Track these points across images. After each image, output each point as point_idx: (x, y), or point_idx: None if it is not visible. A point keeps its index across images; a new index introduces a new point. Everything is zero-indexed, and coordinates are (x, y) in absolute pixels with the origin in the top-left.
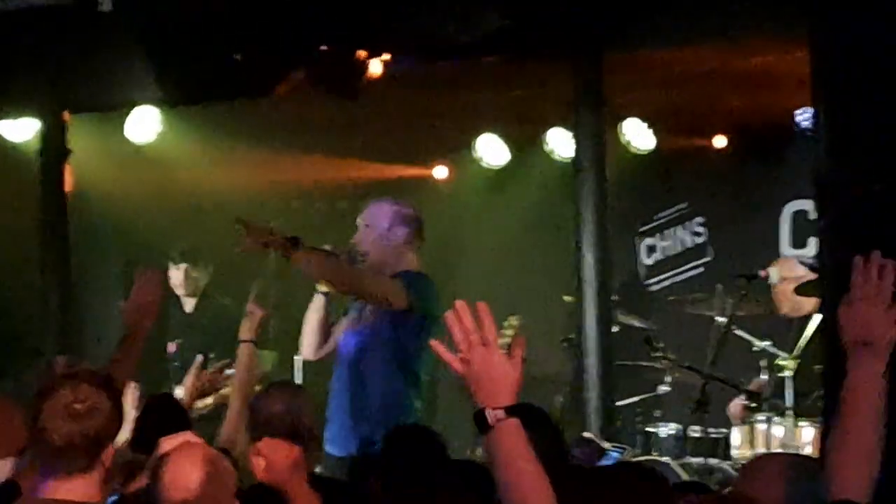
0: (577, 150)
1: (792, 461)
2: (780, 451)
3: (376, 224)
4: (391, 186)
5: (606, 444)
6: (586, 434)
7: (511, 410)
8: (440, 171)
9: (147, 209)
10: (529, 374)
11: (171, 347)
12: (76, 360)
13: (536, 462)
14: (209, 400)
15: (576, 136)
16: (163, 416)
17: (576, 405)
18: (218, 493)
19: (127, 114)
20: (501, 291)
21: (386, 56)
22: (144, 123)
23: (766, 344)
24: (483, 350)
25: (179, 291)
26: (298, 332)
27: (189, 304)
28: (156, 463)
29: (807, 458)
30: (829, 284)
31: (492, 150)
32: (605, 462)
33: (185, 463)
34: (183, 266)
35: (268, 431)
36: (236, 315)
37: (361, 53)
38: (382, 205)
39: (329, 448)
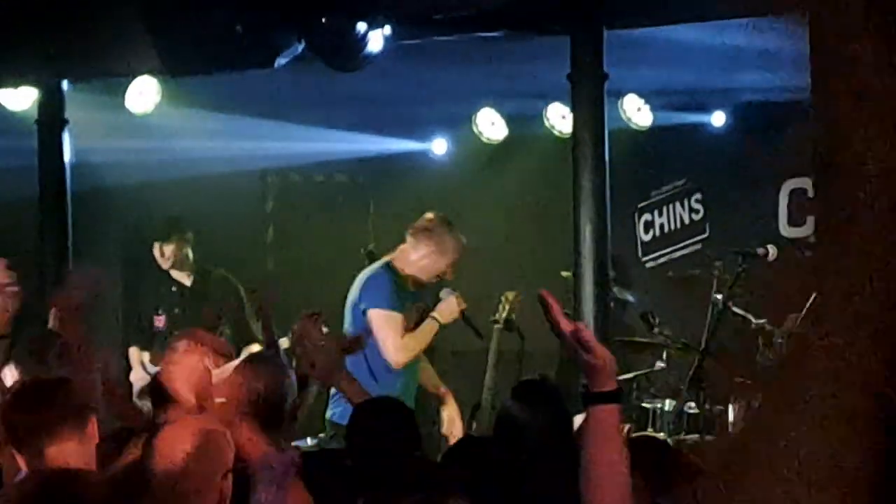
0: (576, 126)
1: None
2: None
3: None
4: (390, 160)
5: None
6: None
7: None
8: (439, 145)
9: (146, 180)
10: (526, 349)
11: (160, 321)
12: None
13: None
14: None
15: (574, 112)
16: None
17: (570, 380)
18: (207, 468)
19: (126, 84)
20: (499, 266)
21: (386, 29)
22: (144, 94)
23: (763, 321)
24: None
25: (165, 266)
26: (297, 302)
27: (186, 278)
28: (151, 434)
29: None
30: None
31: (491, 124)
32: None
33: (175, 435)
34: (172, 243)
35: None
36: (236, 286)
37: (361, 26)
38: None
39: None
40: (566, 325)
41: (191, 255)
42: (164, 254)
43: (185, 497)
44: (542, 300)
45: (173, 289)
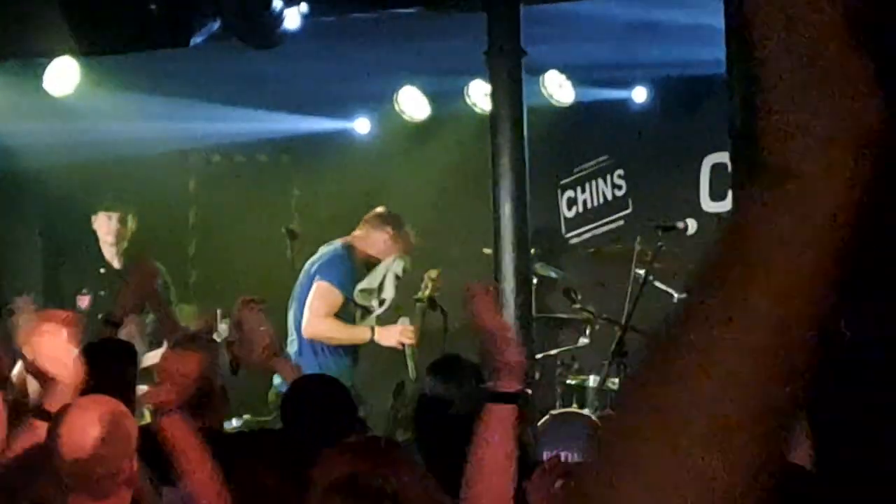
0: (495, 103)
1: None
2: None
3: None
4: (312, 140)
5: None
6: None
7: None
8: (361, 125)
9: (66, 162)
10: (448, 327)
11: (84, 301)
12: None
13: None
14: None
15: (493, 88)
16: (107, 359)
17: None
18: (115, 451)
19: (44, 65)
20: (422, 244)
21: (303, 6)
22: (62, 76)
23: (684, 296)
24: None
25: (108, 240)
26: (220, 283)
27: (116, 259)
28: (55, 418)
29: None
30: None
31: (413, 102)
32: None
33: (81, 420)
34: (114, 215)
35: None
36: (162, 271)
37: (277, 3)
38: None
39: None
40: (491, 322)
41: (127, 236)
42: (119, 225)
43: (96, 482)
44: (471, 293)
45: (101, 270)
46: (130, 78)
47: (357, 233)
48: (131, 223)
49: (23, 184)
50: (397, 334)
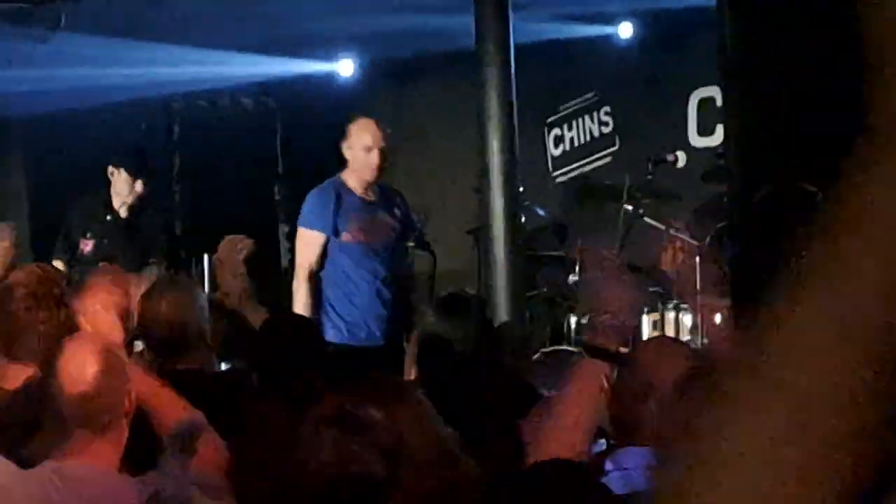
0: (481, 40)
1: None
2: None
3: None
4: (297, 82)
5: None
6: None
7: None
8: (346, 66)
9: (47, 110)
10: (441, 267)
11: (87, 245)
12: None
13: None
14: None
15: (479, 25)
16: None
17: (485, 296)
18: (114, 384)
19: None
20: (410, 185)
21: None
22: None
23: (673, 230)
24: None
25: (125, 199)
26: (206, 229)
27: (124, 210)
28: (48, 355)
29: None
30: (736, 168)
31: (399, 41)
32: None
33: (79, 356)
34: (133, 176)
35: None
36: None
37: None
38: None
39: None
40: (607, 279)
41: (139, 190)
42: (129, 181)
43: (98, 416)
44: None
45: (108, 217)
46: (111, 22)
47: None
48: (138, 182)
49: (3, 132)
50: None
